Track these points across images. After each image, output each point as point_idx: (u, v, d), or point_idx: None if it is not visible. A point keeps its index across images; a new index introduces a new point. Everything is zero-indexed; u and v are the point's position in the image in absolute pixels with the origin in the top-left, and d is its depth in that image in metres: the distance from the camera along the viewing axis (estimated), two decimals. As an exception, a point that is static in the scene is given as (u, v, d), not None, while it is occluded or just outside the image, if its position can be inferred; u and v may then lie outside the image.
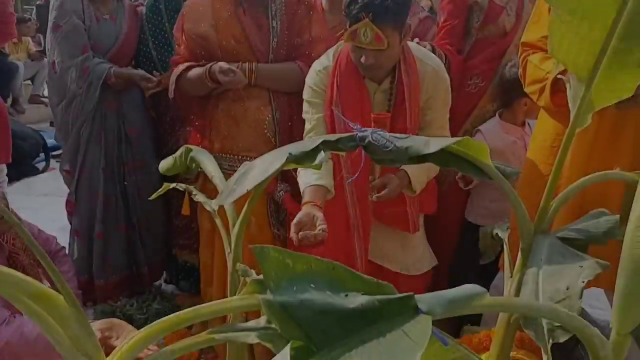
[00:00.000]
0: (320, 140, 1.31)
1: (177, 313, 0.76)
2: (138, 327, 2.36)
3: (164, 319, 0.77)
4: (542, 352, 0.98)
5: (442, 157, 1.24)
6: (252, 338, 0.75)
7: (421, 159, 1.24)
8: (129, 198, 2.58)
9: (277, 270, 0.77)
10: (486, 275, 2.06)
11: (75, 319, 0.72)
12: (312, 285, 0.78)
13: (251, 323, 0.78)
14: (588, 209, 1.40)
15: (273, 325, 0.79)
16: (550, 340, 1.00)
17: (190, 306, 2.47)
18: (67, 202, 2.59)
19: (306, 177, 1.85)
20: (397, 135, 1.33)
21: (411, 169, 1.91)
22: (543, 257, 1.14)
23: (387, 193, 1.86)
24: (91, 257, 2.56)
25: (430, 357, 0.87)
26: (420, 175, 1.92)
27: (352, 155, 1.89)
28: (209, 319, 1.73)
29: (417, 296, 0.77)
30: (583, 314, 2.07)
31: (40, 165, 5.31)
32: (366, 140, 1.30)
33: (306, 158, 1.30)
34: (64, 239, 2.76)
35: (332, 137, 1.33)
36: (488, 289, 2.04)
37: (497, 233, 1.41)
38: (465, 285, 0.78)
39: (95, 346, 0.74)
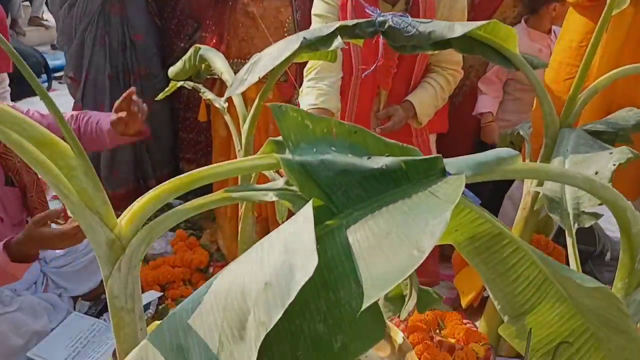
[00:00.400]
0: (337, 26, 1.23)
1: (188, 173, 0.72)
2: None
3: (174, 179, 0.73)
4: (567, 235, 0.95)
5: (467, 42, 1.16)
6: (270, 197, 0.71)
7: (445, 44, 1.16)
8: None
9: (296, 131, 0.73)
10: (501, 185, 2.02)
11: (82, 170, 0.68)
12: (332, 148, 0.74)
13: (269, 184, 0.74)
14: (616, 110, 1.34)
15: (292, 187, 0.75)
16: (575, 225, 0.97)
17: (198, 219, 2.47)
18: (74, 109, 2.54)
19: (310, 99, 1.77)
20: (420, 19, 1.25)
21: (417, 99, 1.82)
22: (569, 148, 1.09)
23: (391, 125, 1.78)
24: (98, 170, 2.52)
25: (456, 228, 0.84)
26: (427, 105, 1.83)
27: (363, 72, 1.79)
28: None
29: (445, 159, 0.72)
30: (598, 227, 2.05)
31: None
32: (386, 25, 1.23)
33: (321, 43, 1.22)
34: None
35: (350, 22, 1.25)
36: (502, 201, 2.00)
37: (517, 133, 1.35)
38: (496, 149, 0.73)
39: (104, 202, 0.71)
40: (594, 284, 0.64)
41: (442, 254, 2.30)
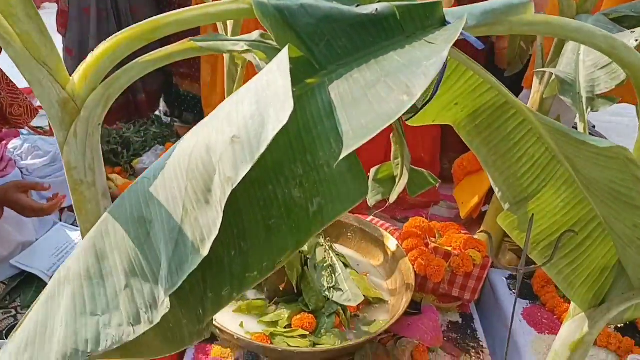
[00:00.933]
0: None
1: (150, 19, 0.62)
2: (135, 150, 2.31)
3: (133, 26, 0.63)
4: (578, 119, 0.86)
5: None
6: (242, 46, 0.61)
7: None
8: (121, 15, 2.38)
9: (273, -29, 0.62)
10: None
11: (23, 9, 0.58)
12: (316, -7, 0.63)
13: (242, 36, 0.64)
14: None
15: (268, 40, 0.65)
16: (589, 110, 0.88)
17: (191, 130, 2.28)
18: (60, 13, 2.41)
19: None
20: None
21: None
22: (586, 30, 0.98)
23: None
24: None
25: (456, 100, 0.75)
26: None
27: None
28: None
29: (445, 9, 0.62)
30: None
31: None
32: None
33: None
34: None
35: None
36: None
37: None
38: (507, -5, 0.62)
39: (52, 51, 0.61)
40: (609, 144, 0.56)
41: (443, 174, 2.25)
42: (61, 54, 2.51)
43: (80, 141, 0.67)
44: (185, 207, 0.51)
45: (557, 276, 0.84)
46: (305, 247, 1.33)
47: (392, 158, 0.81)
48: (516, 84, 1.85)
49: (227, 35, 1.32)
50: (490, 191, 1.60)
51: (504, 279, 1.53)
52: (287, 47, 0.54)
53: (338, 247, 1.45)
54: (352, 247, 1.48)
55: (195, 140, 0.55)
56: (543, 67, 1.24)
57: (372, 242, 1.45)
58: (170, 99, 2.81)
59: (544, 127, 0.71)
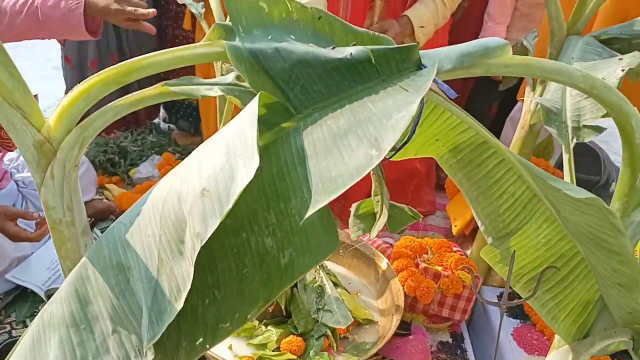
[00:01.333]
0: None
1: (123, 62, 0.62)
2: (132, 160, 2.31)
3: (107, 69, 0.63)
4: (563, 151, 0.85)
5: None
6: (216, 91, 0.61)
7: None
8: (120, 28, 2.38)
9: (248, 14, 0.62)
10: (506, 109, 1.90)
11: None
12: (291, 36, 0.63)
13: (217, 79, 0.64)
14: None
15: (243, 83, 0.65)
16: (574, 140, 0.87)
17: (188, 143, 2.34)
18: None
19: None
20: None
21: (416, 14, 1.66)
22: (575, 56, 0.97)
23: None
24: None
25: (437, 137, 0.74)
26: (426, 21, 1.66)
27: None
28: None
29: (422, 51, 0.62)
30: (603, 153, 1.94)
31: None
32: None
33: None
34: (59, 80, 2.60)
35: None
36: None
37: (521, 44, 1.22)
38: (483, 39, 0.62)
39: (25, 95, 0.61)
40: (585, 194, 0.55)
41: (439, 184, 2.24)
42: (60, 63, 2.54)
43: (58, 182, 0.67)
44: (161, 256, 0.51)
45: (541, 309, 0.83)
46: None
47: (372, 195, 0.81)
48: (511, 95, 1.85)
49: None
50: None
51: (496, 296, 1.52)
52: (258, 95, 0.54)
53: (329, 264, 1.45)
54: (344, 264, 1.48)
55: (170, 187, 0.55)
56: (534, 84, 1.24)
57: (363, 260, 1.45)
58: (167, 105, 2.81)
59: (522, 167, 0.70)
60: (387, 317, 1.29)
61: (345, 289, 1.36)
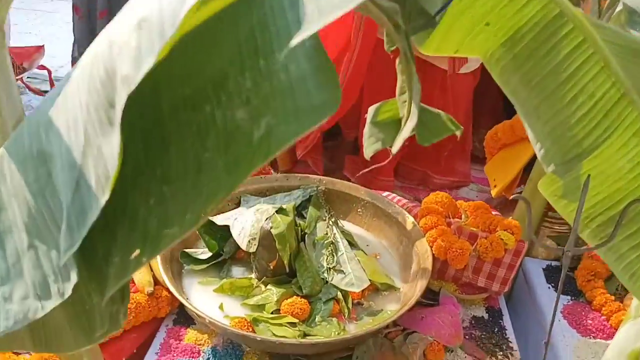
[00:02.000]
0: None
1: None
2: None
3: None
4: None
5: None
6: None
7: None
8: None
9: None
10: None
11: None
12: None
13: None
14: None
15: None
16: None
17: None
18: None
19: None
20: None
21: None
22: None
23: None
24: (93, 39, 2.29)
25: (487, 20, 0.54)
26: None
27: None
28: None
29: None
30: None
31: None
32: None
33: None
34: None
35: None
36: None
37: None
38: None
39: None
40: None
41: (474, 154, 2.02)
42: (70, 13, 2.42)
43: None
44: (88, 132, 0.38)
45: (617, 263, 0.63)
46: (302, 221, 1.14)
47: (397, 93, 0.60)
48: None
49: None
50: (528, 167, 1.37)
51: (541, 269, 1.30)
52: None
53: (345, 224, 1.25)
54: (362, 224, 1.28)
55: (102, 37, 0.40)
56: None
57: (385, 219, 1.25)
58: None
59: (612, 48, 0.49)
60: (410, 283, 1.09)
61: (363, 251, 1.16)
